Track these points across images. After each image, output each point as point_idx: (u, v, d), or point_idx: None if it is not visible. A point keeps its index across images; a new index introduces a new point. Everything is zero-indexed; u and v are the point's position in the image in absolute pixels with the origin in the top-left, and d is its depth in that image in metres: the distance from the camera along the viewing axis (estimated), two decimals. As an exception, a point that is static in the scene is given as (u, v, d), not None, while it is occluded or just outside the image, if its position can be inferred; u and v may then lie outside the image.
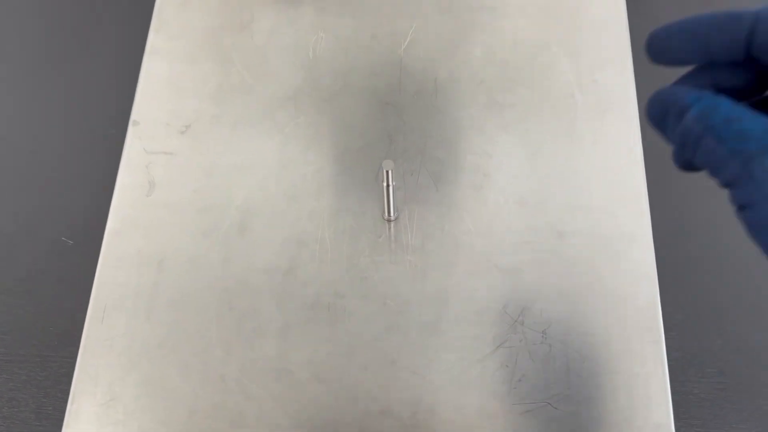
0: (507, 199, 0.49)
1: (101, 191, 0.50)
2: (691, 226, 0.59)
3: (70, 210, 0.53)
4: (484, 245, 0.47)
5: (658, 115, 0.25)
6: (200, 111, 0.52)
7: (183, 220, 0.48)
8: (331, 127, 0.52)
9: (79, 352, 0.44)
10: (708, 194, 0.61)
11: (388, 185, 0.45)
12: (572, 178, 0.49)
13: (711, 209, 0.60)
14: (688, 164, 0.26)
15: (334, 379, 0.43)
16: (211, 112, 0.52)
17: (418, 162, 0.50)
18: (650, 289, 0.46)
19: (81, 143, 0.54)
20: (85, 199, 0.53)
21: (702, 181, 0.64)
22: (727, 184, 0.23)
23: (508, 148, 0.51)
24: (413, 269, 0.47)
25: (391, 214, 0.47)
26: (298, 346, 0.44)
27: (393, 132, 0.51)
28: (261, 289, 0.46)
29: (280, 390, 0.43)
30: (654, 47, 0.27)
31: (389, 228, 0.48)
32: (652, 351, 0.45)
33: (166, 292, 0.46)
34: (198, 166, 0.50)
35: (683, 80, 0.27)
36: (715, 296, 0.61)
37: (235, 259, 0.47)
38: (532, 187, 0.49)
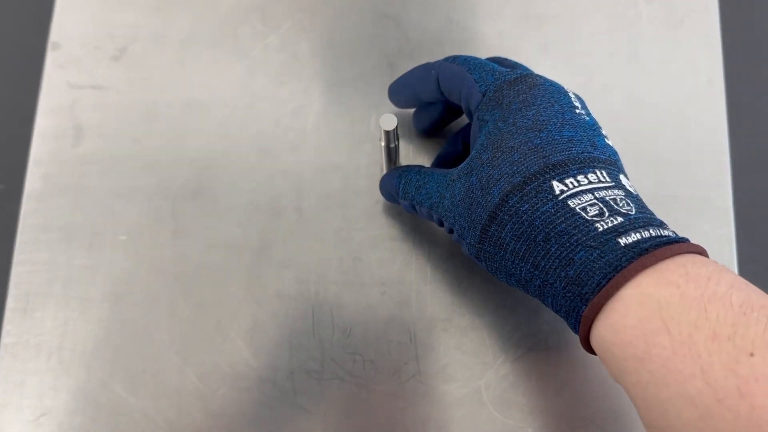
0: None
1: (15, 140, 0.39)
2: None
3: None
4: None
5: (389, 197, 0.34)
6: (139, 28, 0.39)
7: (120, 179, 0.37)
8: (313, 49, 0.39)
9: (0, 353, 0.35)
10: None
11: (389, 146, 0.33)
12: (633, 119, 0.37)
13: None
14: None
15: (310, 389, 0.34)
16: (152, 28, 0.39)
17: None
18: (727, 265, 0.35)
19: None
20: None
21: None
22: (446, 229, 0.31)
23: (550, 75, 0.38)
24: (415, 244, 0.36)
25: None
26: (271, 345, 0.35)
27: (394, 55, 0.39)
28: (225, 274, 0.35)
29: (252, 405, 0.34)
30: (391, 97, 0.36)
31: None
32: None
33: (103, 277, 0.36)
34: (137, 105, 0.38)
35: (415, 119, 0.37)
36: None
37: (189, 233, 0.36)
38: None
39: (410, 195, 0.31)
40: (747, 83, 0.42)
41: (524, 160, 0.26)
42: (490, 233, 0.26)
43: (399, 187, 0.32)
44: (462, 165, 0.29)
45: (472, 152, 0.28)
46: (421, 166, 0.32)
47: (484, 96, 0.28)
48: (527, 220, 0.25)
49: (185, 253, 0.36)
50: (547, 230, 0.25)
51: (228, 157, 0.37)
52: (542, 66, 0.38)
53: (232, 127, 0.37)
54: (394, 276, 0.35)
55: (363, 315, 0.35)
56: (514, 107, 0.27)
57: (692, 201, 0.36)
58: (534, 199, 0.25)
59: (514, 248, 0.26)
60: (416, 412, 0.34)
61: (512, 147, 0.26)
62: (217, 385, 0.34)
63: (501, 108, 0.28)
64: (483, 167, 0.27)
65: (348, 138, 0.37)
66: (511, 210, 0.25)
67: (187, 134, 0.37)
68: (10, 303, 0.36)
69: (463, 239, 0.28)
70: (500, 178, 0.26)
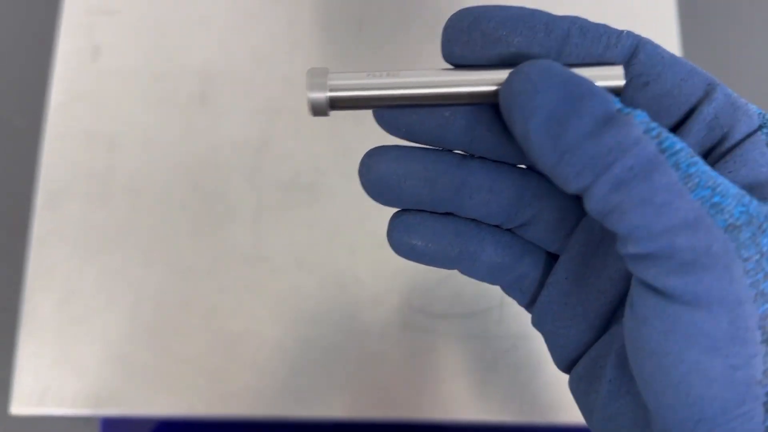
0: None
1: (38, 60, 0.43)
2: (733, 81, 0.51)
3: (1, 84, 0.46)
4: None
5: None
6: (146, -43, 0.44)
7: (135, 89, 0.41)
8: (304, -30, 0.43)
9: (30, 244, 0.39)
10: (759, 64, 0.52)
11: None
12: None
13: (759, 82, 0.52)
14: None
15: (317, 266, 0.38)
16: (159, -42, 0.44)
17: (410, 8, 0.42)
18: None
19: (8, 6, 0.46)
20: (19, 70, 0.46)
21: (752, 46, 0.55)
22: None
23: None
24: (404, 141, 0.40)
25: None
26: (275, 230, 0.39)
27: (378, -26, 0.43)
28: (230, 167, 0.40)
29: (256, 279, 0.38)
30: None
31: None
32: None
33: (121, 173, 0.40)
34: (147, 24, 0.42)
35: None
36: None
37: (197, 134, 0.40)
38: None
39: (678, 154, 0.16)
40: (698, 6, 0.46)
41: None
42: None
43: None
44: None
45: None
46: None
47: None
48: None
49: (194, 151, 0.40)
50: None
51: (229, 66, 0.41)
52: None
53: (232, 40, 0.42)
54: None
55: (353, 201, 0.39)
56: None
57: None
58: None
59: None
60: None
61: None
62: (226, 263, 0.38)
63: None
64: None
65: (338, 45, 0.41)
66: None
67: (192, 48, 0.42)
68: (39, 199, 0.40)
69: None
70: None
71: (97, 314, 0.38)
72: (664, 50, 0.18)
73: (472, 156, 0.20)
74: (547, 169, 0.16)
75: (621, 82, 0.17)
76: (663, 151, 0.15)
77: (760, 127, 0.17)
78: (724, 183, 0.15)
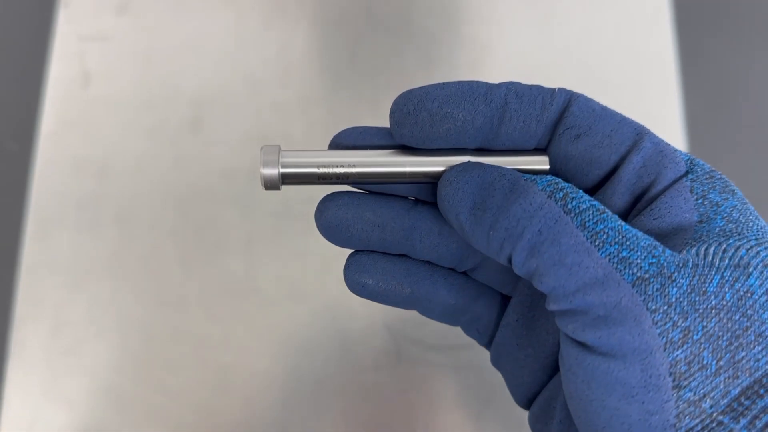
0: (510, 76, 0.41)
1: (31, 84, 0.43)
2: (728, 104, 0.51)
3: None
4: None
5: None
6: (139, -17, 0.43)
7: (126, 116, 0.41)
8: (296, -4, 0.43)
9: (19, 273, 0.39)
10: (750, 65, 0.52)
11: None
12: (588, 49, 0.41)
13: (754, 84, 0.51)
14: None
15: (308, 296, 0.38)
16: (151, -16, 0.43)
17: (402, 36, 0.42)
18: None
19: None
20: (12, 95, 0.45)
21: (748, 47, 0.55)
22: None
23: (512, 12, 0.42)
24: (398, 166, 0.39)
25: None
26: (267, 260, 0.38)
27: (371, -1, 0.42)
28: (221, 196, 0.39)
29: (247, 310, 0.38)
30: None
31: (369, 118, 0.40)
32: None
33: (111, 201, 0.39)
34: (138, 51, 0.42)
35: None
36: (755, 185, 0.53)
37: (188, 162, 0.40)
38: (541, 61, 0.41)
39: (583, 214, 0.17)
40: (693, 10, 0.45)
41: None
42: (762, 403, 0.16)
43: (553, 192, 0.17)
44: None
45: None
46: None
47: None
48: None
49: (184, 178, 0.40)
50: None
51: (221, 93, 0.41)
52: (506, 3, 0.42)
53: (223, 67, 0.41)
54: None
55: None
56: None
57: (643, 117, 0.39)
58: None
59: None
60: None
61: None
62: (216, 294, 0.38)
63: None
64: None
65: (330, 72, 0.41)
66: None
67: (183, 75, 0.41)
68: (29, 228, 0.40)
69: (688, 382, 0.16)
70: None
71: (86, 345, 0.37)
72: (596, 103, 0.19)
73: (422, 202, 0.21)
74: (484, 251, 0.18)
75: (546, 167, 0.19)
76: (568, 212, 0.16)
77: (686, 173, 0.18)
78: (634, 236, 0.16)
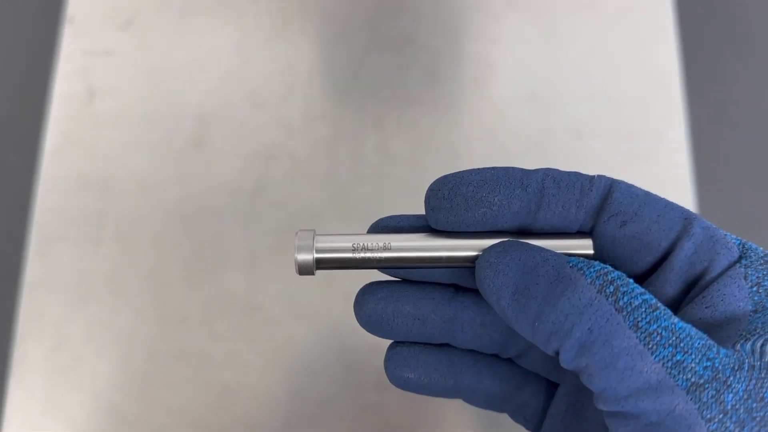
0: (515, 93, 0.40)
1: (33, 102, 0.43)
2: (733, 121, 0.51)
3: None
4: (486, 152, 0.39)
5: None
6: (143, 0, 0.43)
7: (129, 132, 0.41)
8: (300, 13, 0.43)
9: (21, 290, 0.38)
10: (756, 83, 0.52)
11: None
12: (593, 65, 0.41)
13: (760, 101, 0.51)
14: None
15: (311, 314, 0.38)
16: (155, 1, 0.43)
17: (406, 53, 0.42)
18: (683, 197, 0.39)
19: (5, 44, 0.46)
20: (15, 111, 0.46)
21: (749, 66, 0.55)
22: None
23: (516, 30, 0.42)
24: (402, 183, 0.39)
25: None
26: (269, 277, 0.38)
27: (375, 16, 0.42)
28: (224, 213, 0.39)
29: (249, 328, 0.37)
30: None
31: (373, 136, 0.40)
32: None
33: (114, 218, 0.39)
34: (143, 68, 0.42)
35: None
36: (761, 201, 0.53)
37: (191, 178, 0.40)
38: (545, 78, 0.41)
39: (635, 312, 0.16)
40: (698, 28, 0.45)
41: None
42: None
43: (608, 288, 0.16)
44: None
45: None
46: None
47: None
48: None
49: (187, 195, 0.39)
50: None
51: (225, 110, 0.41)
52: (509, 22, 0.42)
53: (228, 84, 0.41)
54: (379, 210, 0.39)
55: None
56: None
57: (649, 134, 0.39)
58: None
59: None
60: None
61: None
62: (218, 312, 0.38)
63: None
64: None
65: (333, 90, 0.41)
66: None
67: (188, 92, 0.41)
68: (32, 245, 0.39)
69: None
70: None
71: (87, 363, 0.37)
72: (637, 189, 0.18)
73: (463, 289, 0.20)
74: (530, 339, 0.17)
75: (590, 251, 0.18)
76: (620, 309, 0.16)
77: (739, 258, 0.18)
78: (687, 336, 0.15)
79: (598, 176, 0.18)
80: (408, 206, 0.38)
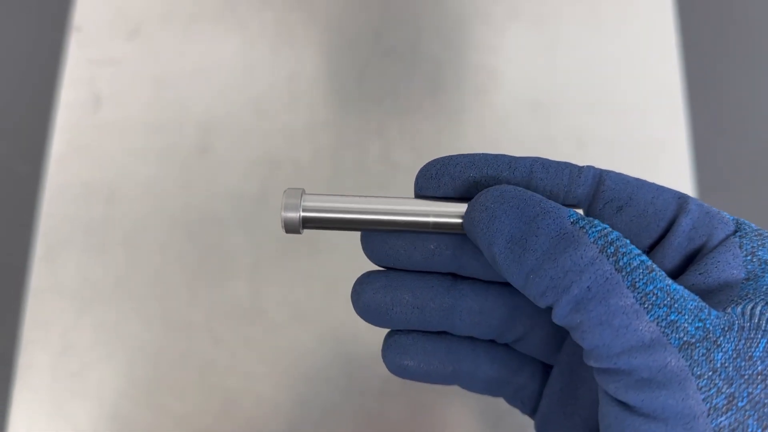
0: (517, 102, 0.41)
1: (40, 110, 0.44)
2: (735, 129, 0.51)
3: (3, 134, 0.46)
4: (489, 159, 0.40)
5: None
6: (149, 9, 0.44)
7: (135, 140, 0.41)
8: (304, 22, 0.43)
9: (27, 296, 0.39)
10: (757, 90, 0.52)
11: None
12: (594, 73, 0.41)
13: (760, 109, 0.52)
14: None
15: (315, 320, 0.38)
16: (161, 9, 0.44)
17: (409, 62, 0.42)
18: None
19: (12, 53, 0.47)
20: (22, 119, 0.46)
21: (750, 74, 0.56)
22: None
23: (519, 40, 0.42)
24: (405, 191, 0.39)
25: None
26: (273, 283, 0.38)
27: (379, 26, 0.43)
28: (228, 220, 0.39)
29: (253, 334, 0.38)
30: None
31: (376, 144, 0.40)
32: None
33: (119, 225, 0.40)
34: (149, 76, 0.42)
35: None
36: (762, 210, 0.53)
37: (196, 186, 0.40)
38: (547, 87, 0.41)
39: (633, 273, 0.16)
40: (699, 37, 0.46)
41: None
42: None
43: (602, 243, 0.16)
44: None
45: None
46: None
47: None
48: None
49: (192, 202, 0.40)
50: None
51: (229, 118, 0.41)
52: (511, 31, 0.42)
53: (232, 92, 0.42)
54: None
55: (353, 253, 0.39)
56: None
57: (650, 142, 0.40)
58: None
59: None
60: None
61: None
62: (222, 318, 0.38)
63: None
64: None
65: (337, 98, 0.41)
66: None
67: (193, 100, 0.42)
68: (38, 251, 0.40)
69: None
70: None
71: (92, 369, 0.37)
72: (627, 176, 0.19)
73: (462, 278, 0.20)
74: (518, 288, 0.17)
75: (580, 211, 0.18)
76: (619, 269, 0.16)
77: (735, 231, 0.18)
78: (681, 297, 0.16)
79: (588, 166, 0.19)
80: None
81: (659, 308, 0.16)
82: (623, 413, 0.16)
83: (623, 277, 0.16)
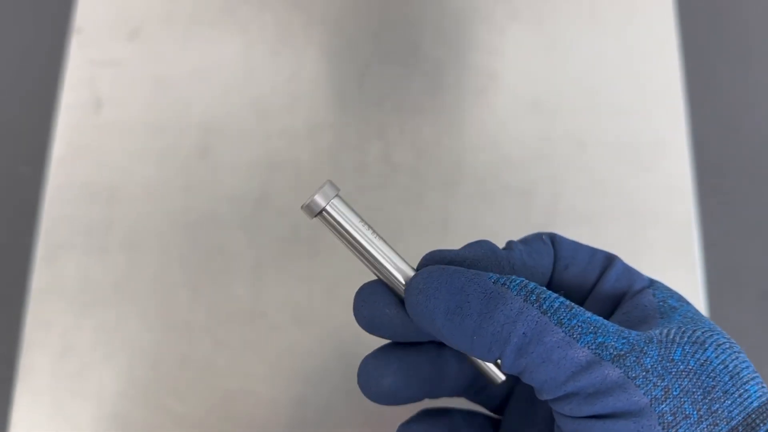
0: (518, 103, 0.41)
1: (41, 111, 0.44)
2: (735, 130, 0.51)
3: (4, 135, 0.46)
4: (489, 161, 0.40)
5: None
6: (150, 11, 0.44)
7: (136, 142, 0.41)
8: (304, 24, 0.43)
9: (28, 298, 0.39)
10: (757, 91, 0.52)
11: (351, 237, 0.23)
12: (595, 75, 0.41)
13: (760, 110, 0.52)
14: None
15: (315, 322, 0.38)
16: (162, 11, 0.44)
17: (410, 64, 0.42)
18: (685, 207, 0.39)
19: (13, 55, 0.47)
20: (23, 121, 0.46)
21: (751, 75, 0.56)
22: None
23: (519, 40, 0.42)
24: (406, 192, 0.40)
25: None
26: (274, 285, 0.38)
27: (379, 27, 0.43)
28: (229, 221, 0.39)
29: (253, 336, 0.38)
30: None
31: (377, 145, 0.40)
32: (687, 277, 0.38)
33: (120, 227, 0.40)
34: (149, 77, 0.42)
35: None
36: (762, 210, 0.53)
37: (197, 187, 0.40)
38: (548, 88, 0.41)
39: (557, 312, 0.19)
40: (699, 38, 0.46)
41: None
42: None
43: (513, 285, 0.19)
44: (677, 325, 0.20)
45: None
46: None
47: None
48: None
49: (193, 204, 0.40)
50: None
51: (230, 119, 0.41)
52: (511, 32, 0.42)
53: (232, 93, 0.42)
54: (383, 218, 0.39)
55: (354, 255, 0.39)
56: None
57: (652, 144, 0.39)
58: None
59: None
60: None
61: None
62: (223, 320, 0.38)
63: None
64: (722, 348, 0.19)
65: (338, 99, 0.41)
66: None
67: (193, 101, 0.42)
68: (39, 252, 0.40)
69: (676, 430, 0.18)
70: (751, 379, 0.19)
71: (93, 370, 0.38)
72: (570, 240, 0.23)
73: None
74: (466, 351, 0.20)
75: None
76: (544, 312, 0.19)
77: (650, 284, 0.22)
78: (603, 324, 0.19)
79: (546, 234, 0.23)
80: (410, 215, 0.39)
81: (586, 335, 0.19)
82: (583, 422, 0.19)
83: (549, 317, 0.19)
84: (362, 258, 0.22)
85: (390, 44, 0.42)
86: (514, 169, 0.40)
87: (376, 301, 0.22)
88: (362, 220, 0.22)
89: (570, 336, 0.18)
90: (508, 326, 0.19)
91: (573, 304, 0.19)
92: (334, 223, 0.22)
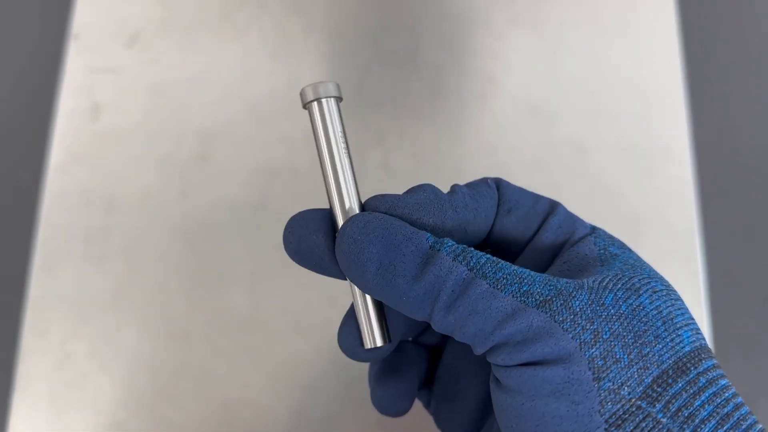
0: (517, 108, 0.41)
1: (38, 118, 0.44)
2: (737, 136, 0.51)
3: (1, 142, 0.46)
4: (489, 167, 0.40)
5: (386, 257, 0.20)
6: (148, 17, 0.44)
7: (134, 148, 0.41)
8: (303, 29, 0.43)
9: (26, 305, 0.39)
10: (759, 96, 0.51)
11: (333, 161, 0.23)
12: (596, 79, 0.41)
13: (763, 116, 0.51)
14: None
15: (313, 329, 0.38)
16: (160, 17, 0.44)
17: (409, 68, 0.42)
18: (687, 211, 0.38)
19: (11, 61, 0.46)
20: (21, 128, 0.46)
21: (753, 80, 0.55)
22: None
23: (519, 45, 0.42)
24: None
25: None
26: (271, 292, 0.38)
27: (378, 32, 0.43)
28: (227, 228, 0.39)
29: (251, 344, 0.37)
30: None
31: (376, 151, 0.40)
32: (690, 283, 0.38)
33: (118, 234, 0.40)
34: (147, 84, 0.42)
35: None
36: (764, 216, 0.53)
37: (195, 194, 0.40)
38: (548, 93, 0.41)
39: (483, 267, 0.19)
40: (701, 43, 0.45)
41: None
42: (672, 390, 0.18)
43: (447, 249, 0.19)
44: (613, 270, 0.21)
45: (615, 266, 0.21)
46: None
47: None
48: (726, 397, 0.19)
49: (191, 212, 0.40)
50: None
51: (228, 126, 0.41)
52: (511, 37, 0.42)
53: (231, 100, 0.42)
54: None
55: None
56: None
57: (653, 150, 0.39)
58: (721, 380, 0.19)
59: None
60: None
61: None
62: (221, 328, 0.38)
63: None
64: (657, 296, 0.20)
65: (336, 105, 0.41)
66: (709, 374, 0.19)
67: (192, 108, 0.42)
68: (37, 260, 0.40)
69: (606, 374, 0.18)
70: (685, 325, 0.20)
71: (90, 379, 0.37)
72: (516, 186, 0.23)
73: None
74: (393, 306, 0.20)
75: None
76: (471, 268, 0.19)
77: (592, 231, 0.22)
78: (529, 275, 0.19)
79: (491, 179, 0.23)
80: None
81: (511, 285, 0.19)
82: (511, 369, 0.19)
83: (475, 273, 0.19)
84: (323, 168, 0.22)
85: (389, 49, 0.42)
86: (513, 174, 0.39)
87: (304, 226, 0.21)
88: (344, 135, 0.22)
89: (494, 287, 0.19)
90: (439, 285, 0.19)
91: (499, 260, 0.20)
92: (319, 119, 0.22)
